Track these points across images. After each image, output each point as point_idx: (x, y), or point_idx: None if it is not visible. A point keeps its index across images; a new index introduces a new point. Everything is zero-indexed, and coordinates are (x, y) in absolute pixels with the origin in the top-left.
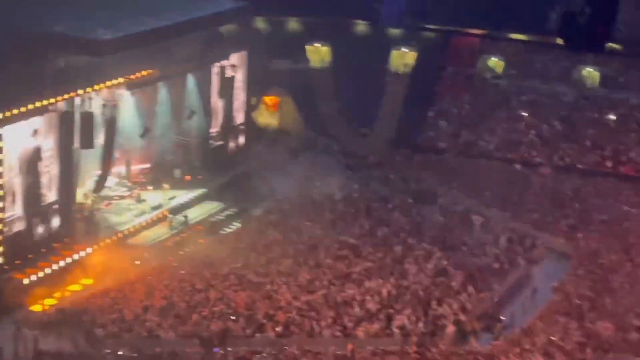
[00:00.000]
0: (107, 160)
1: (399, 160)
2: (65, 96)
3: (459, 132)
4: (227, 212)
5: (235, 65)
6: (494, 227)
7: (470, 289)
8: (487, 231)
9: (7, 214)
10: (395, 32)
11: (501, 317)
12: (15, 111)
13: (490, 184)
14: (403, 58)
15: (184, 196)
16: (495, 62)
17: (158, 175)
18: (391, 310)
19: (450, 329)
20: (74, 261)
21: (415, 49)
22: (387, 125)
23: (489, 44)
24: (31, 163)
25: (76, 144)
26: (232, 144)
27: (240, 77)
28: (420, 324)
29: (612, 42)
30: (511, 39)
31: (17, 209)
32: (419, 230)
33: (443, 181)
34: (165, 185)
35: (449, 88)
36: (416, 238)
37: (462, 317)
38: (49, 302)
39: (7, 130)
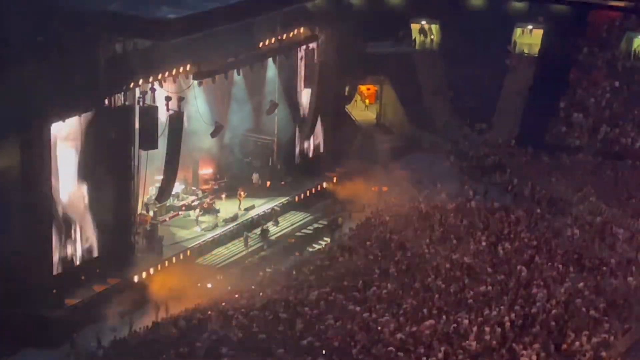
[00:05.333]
0: (172, 164)
1: (523, 161)
2: (123, 87)
3: (597, 127)
4: (315, 225)
5: (324, 48)
6: None
7: (613, 318)
8: (633, 248)
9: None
10: (518, 5)
11: None
12: (63, 105)
13: (635, 190)
14: (528, 37)
15: (263, 206)
16: None
17: (232, 182)
18: (515, 345)
19: None
20: (134, 284)
21: (542, 26)
22: (509, 120)
23: (634, 19)
24: (84, 166)
25: (136, 144)
26: (321, 143)
27: (330, 63)
28: None
29: None
30: None
31: (67, 224)
32: (548, 246)
33: (578, 187)
34: (242, 193)
35: (585, 73)
36: (545, 256)
37: (604, 354)
38: (105, 332)
39: (56, 128)
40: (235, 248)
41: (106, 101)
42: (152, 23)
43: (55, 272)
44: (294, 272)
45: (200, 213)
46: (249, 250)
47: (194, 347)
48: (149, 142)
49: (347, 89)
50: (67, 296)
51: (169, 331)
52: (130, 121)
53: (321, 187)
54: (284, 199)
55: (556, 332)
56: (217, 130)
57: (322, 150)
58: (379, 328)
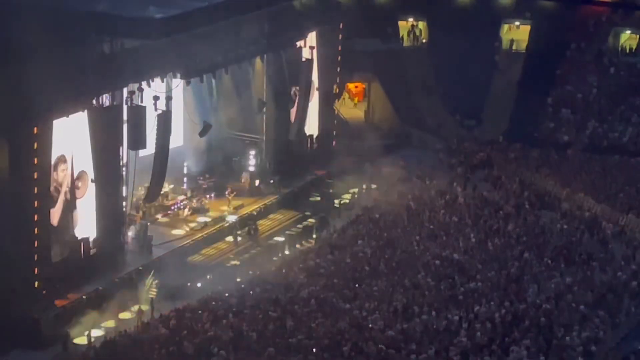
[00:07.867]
0: (160, 164)
1: (512, 157)
2: (111, 88)
3: (585, 122)
4: (304, 223)
5: (312, 47)
6: (631, 237)
7: (603, 313)
8: (621, 242)
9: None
10: (505, 1)
11: None
12: (51, 107)
13: (624, 184)
14: (515, 33)
15: (252, 205)
16: (628, 37)
17: (221, 181)
18: (506, 340)
19: None
20: (124, 283)
21: (530, 22)
22: (497, 116)
23: (621, 14)
24: (73, 166)
25: (125, 143)
26: (309, 141)
27: (318, 61)
28: (542, 358)
29: None
30: None
31: (56, 222)
32: (538, 242)
33: (566, 182)
34: (231, 192)
35: (573, 69)
36: (535, 252)
37: (594, 348)
38: (96, 333)
39: (42, 129)
40: (224, 247)
41: (94, 102)
42: (140, 23)
43: (45, 273)
44: (284, 271)
45: (190, 212)
46: (239, 249)
47: (184, 347)
48: (138, 141)
49: (335, 86)
50: (57, 297)
51: (159, 331)
52: (119, 121)
53: (310, 185)
54: (273, 198)
55: (546, 327)
56: (206, 130)
57: (311, 147)
58: (370, 325)
